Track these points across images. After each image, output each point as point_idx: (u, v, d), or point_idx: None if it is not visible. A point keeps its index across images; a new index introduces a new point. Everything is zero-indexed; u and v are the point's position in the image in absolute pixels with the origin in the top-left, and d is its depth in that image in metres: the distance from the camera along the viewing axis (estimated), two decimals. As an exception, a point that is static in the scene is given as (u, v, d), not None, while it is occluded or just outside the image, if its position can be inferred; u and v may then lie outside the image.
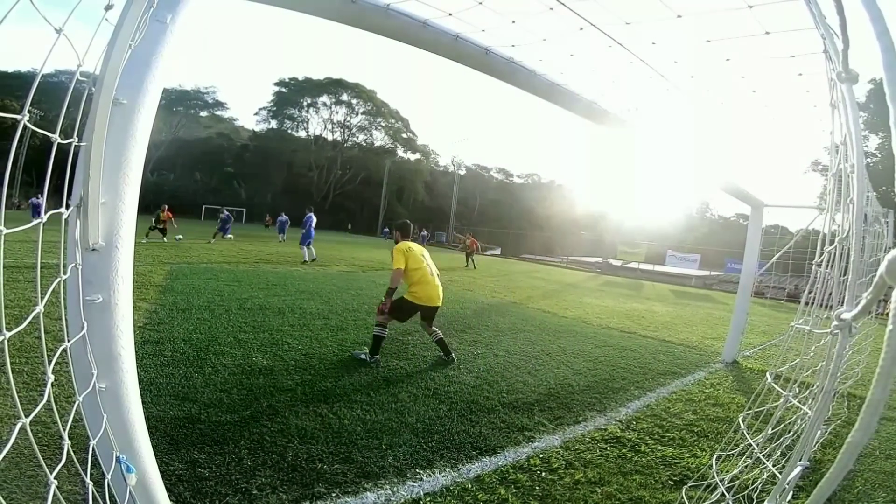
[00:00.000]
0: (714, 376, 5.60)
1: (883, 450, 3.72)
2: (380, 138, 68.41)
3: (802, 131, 4.44)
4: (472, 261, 20.73)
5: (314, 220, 14.56)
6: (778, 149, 5.44)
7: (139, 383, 1.55)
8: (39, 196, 19.80)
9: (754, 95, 3.45)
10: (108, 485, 1.41)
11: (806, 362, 2.36)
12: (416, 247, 5.12)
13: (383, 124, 67.63)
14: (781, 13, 2.20)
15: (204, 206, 51.72)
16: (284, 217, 23.74)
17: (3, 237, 0.94)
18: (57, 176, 1.13)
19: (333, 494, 2.43)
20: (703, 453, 3.34)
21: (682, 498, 2.64)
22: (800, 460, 1.61)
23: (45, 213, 1.14)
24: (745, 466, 2.61)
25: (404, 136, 69.12)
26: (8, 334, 0.95)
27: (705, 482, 2.72)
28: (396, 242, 5.20)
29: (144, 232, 14.57)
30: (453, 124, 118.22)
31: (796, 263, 6.87)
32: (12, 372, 3.38)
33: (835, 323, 1.41)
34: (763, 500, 2.54)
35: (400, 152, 68.93)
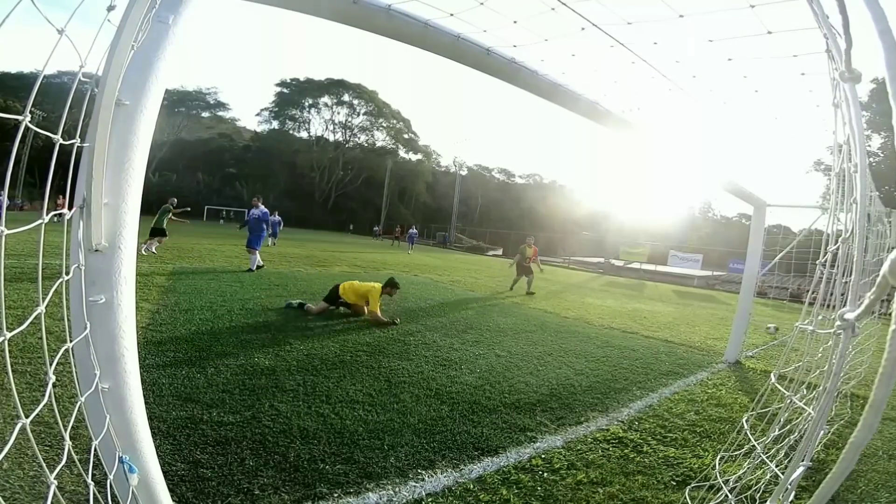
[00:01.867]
0: (717, 377, 5.58)
1: (886, 450, 3.70)
2: (381, 139, 68.63)
3: (805, 131, 4.43)
4: (530, 281, 12.84)
5: (258, 214, 11.38)
6: (780, 149, 5.43)
7: (142, 384, 1.56)
8: (0, 194, 19.09)
9: (757, 95, 3.44)
10: (111, 485, 1.42)
11: (812, 363, 2.36)
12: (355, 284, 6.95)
13: (385, 125, 67.76)
14: (783, 13, 2.19)
15: (206, 207, 51.91)
16: (277, 217, 18.60)
17: (3, 237, 0.94)
18: (60, 177, 1.13)
19: (335, 495, 2.43)
20: (706, 454, 3.33)
21: (685, 498, 2.64)
22: (802, 460, 1.60)
23: (46, 212, 1.14)
24: (749, 467, 2.60)
25: (406, 136, 69.25)
26: (9, 335, 0.95)
27: (708, 483, 2.71)
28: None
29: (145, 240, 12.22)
30: (455, 125, 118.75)
31: (799, 263, 6.86)
32: (15, 372, 3.39)
33: (838, 323, 1.41)
34: (766, 501, 2.54)
35: (401, 153, 69.14)
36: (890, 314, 0.99)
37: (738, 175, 6.06)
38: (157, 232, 12.31)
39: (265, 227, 11.63)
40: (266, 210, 11.56)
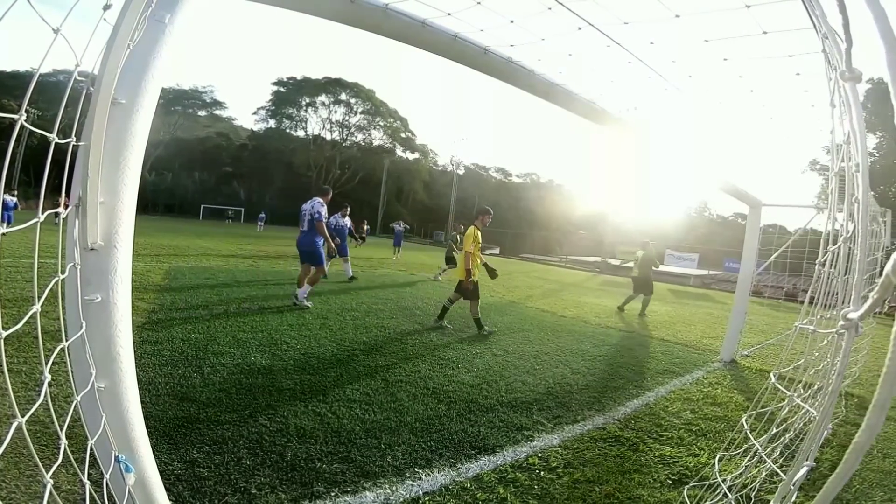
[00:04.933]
0: (712, 375, 5.60)
1: (881, 449, 3.72)
2: (378, 138, 68.44)
3: (800, 131, 4.45)
4: (647, 301, 10.38)
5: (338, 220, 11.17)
6: (776, 148, 5.46)
7: (138, 383, 1.55)
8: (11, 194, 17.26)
9: (752, 95, 3.45)
10: (107, 484, 1.41)
11: (809, 362, 2.37)
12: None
13: (382, 123, 67.58)
14: (779, 13, 2.20)
15: (202, 206, 51.76)
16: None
17: None
18: (55, 175, 1.13)
19: (332, 493, 2.43)
20: (702, 452, 3.34)
21: (683, 498, 2.65)
22: (806, 460, 1.61)
23: (42, 211, 1.14)
24: (748, 466, 2.61)
25: (403, 135, 69.09)
26: (4, 333, 0.95)
27: (707, 482, 2.72)
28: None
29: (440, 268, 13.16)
30: (452, 124, 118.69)
31: (794, 263, 6.89)
32: (11, 372, 3.37)
33: (841, 322, 1.41)
34: (762, 499, 2.55)
35: (399, 152, 69.00)
36: (886, 314, 1.00)
37: (733, 174, 6.09)
38: (451, 261, 12.71)
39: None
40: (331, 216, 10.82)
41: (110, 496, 1.43)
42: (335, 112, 65.74)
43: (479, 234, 6.52)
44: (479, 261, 6.51)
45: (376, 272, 13.01)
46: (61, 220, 1.30)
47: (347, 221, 11.51)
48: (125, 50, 1.32)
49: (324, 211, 7.30)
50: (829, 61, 1.80)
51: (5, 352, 0.98)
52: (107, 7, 1.22)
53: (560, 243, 39.64)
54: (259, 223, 38.72)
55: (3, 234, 0.95)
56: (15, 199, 16.00)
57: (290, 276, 10.33)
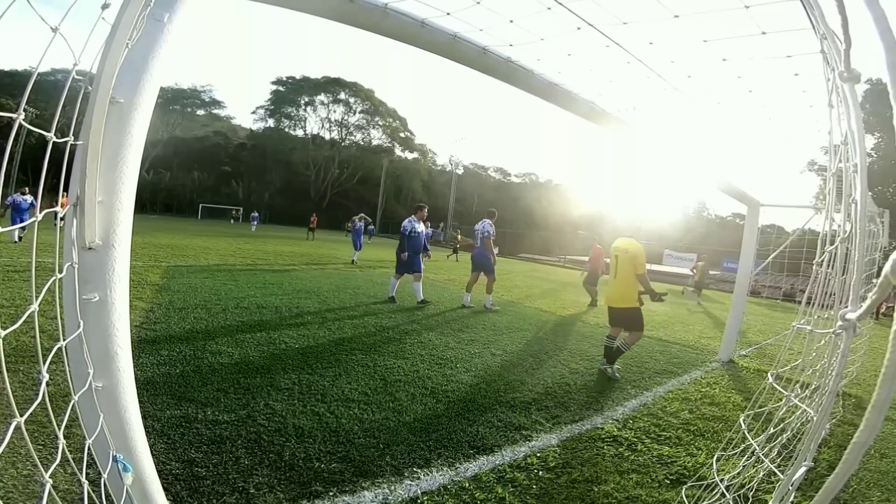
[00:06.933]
0: (710, 375, 5.61)
1: (878, 448, 3.73)
2: (377, 137, 68.53)
3: (799, 131, 4.45)
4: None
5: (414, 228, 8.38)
6: (774, 148, 5.46)
7: (136, 382, 1.55)
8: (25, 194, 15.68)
9: (751, 95, 3.45)
10: (105, 484, 1.41)
11: (806, 362, 2.37)
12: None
13: (381, 123, 67.65)
14: (778, 13, 2.21)
15: (201, 205, 51.72)
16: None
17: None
18: (53, 174, 1.13)
19: (331, 493, 2.43)
20: (700, 452, 3.35)
21: (682, 497, 2.65)
22: (805, 461, 1.61)
23: (40, 211, 1.13)
24: (745, 465, 2.62)
25: (402, 134, 69.14)
26: (2, 333, 0.95)
27: (704, 482, 2.73)
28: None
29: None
30: (451, 123, 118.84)
31: (792, 263, 6.90)
32: (9, 371, 3.36)
33: (839, 323, 1.41)
34: (759, 498, 2.56)
35: (398, 151, 69.06)
36: (883, 314, 1.00)
37: (732, 175, 6.10)
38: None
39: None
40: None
41: (108, 496, 1.43)
42: (334, 111, 65.86)
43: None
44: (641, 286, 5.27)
45: (374, 271, 12.99)
46: (58, 220, 1.29)
47: (421, 228, 8.63)
48: (124, 49, 1.32)
49: (492, 230, 8.69)
50: (828, 62, 1.80)
51: (3, 351, 0.98)
52: (105, 6, 1.21)
53: (559, 243, 39.63)
54: (252, 223, 38.48)
55: (19, 239, 0.95)
56: (30, 199, 14.82)
57: (290, 276, 10.31)
